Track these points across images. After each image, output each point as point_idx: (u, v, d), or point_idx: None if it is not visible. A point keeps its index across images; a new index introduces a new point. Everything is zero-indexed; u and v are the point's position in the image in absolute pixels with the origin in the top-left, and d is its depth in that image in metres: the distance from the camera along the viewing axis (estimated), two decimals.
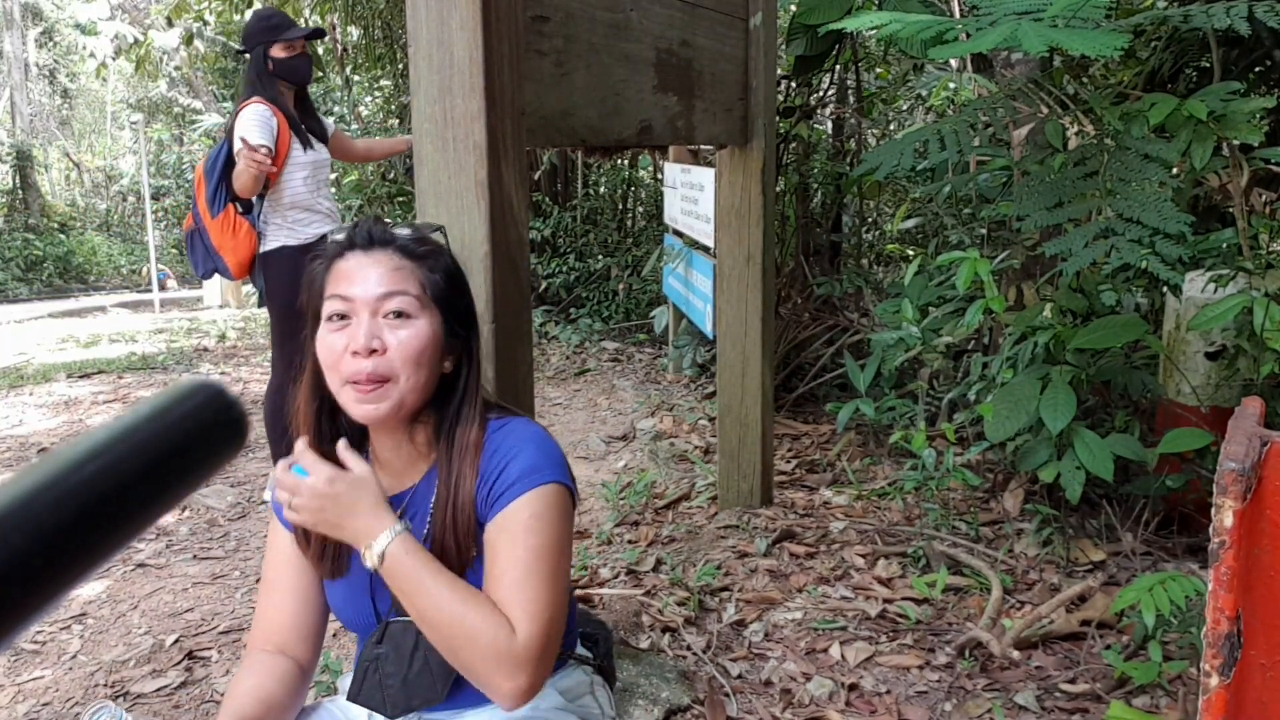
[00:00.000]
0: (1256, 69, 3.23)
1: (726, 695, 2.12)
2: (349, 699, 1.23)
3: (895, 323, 3.09)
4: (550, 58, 1.86)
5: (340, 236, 1.20)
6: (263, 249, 3.26)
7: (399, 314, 1.14)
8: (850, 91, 4.95)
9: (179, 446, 0.32)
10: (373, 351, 1.11)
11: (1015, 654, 2.21)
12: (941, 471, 2.84)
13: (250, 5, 7.87)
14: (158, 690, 2.29)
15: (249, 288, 3.41)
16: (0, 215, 14.87)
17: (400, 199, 7.07)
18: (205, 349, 6.80)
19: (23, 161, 15.09)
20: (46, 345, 7.36)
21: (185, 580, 2.89)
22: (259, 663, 1.20)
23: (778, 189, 4.48)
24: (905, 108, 5.69)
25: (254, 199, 3.22)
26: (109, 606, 2.73)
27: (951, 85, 3.68)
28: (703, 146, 3.82)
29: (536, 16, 1.80)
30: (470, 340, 1.22)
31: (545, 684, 1.14)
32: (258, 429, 3.64)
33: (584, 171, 6.93)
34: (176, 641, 2.52)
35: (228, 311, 9.02)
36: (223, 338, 7.20)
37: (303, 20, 7.81)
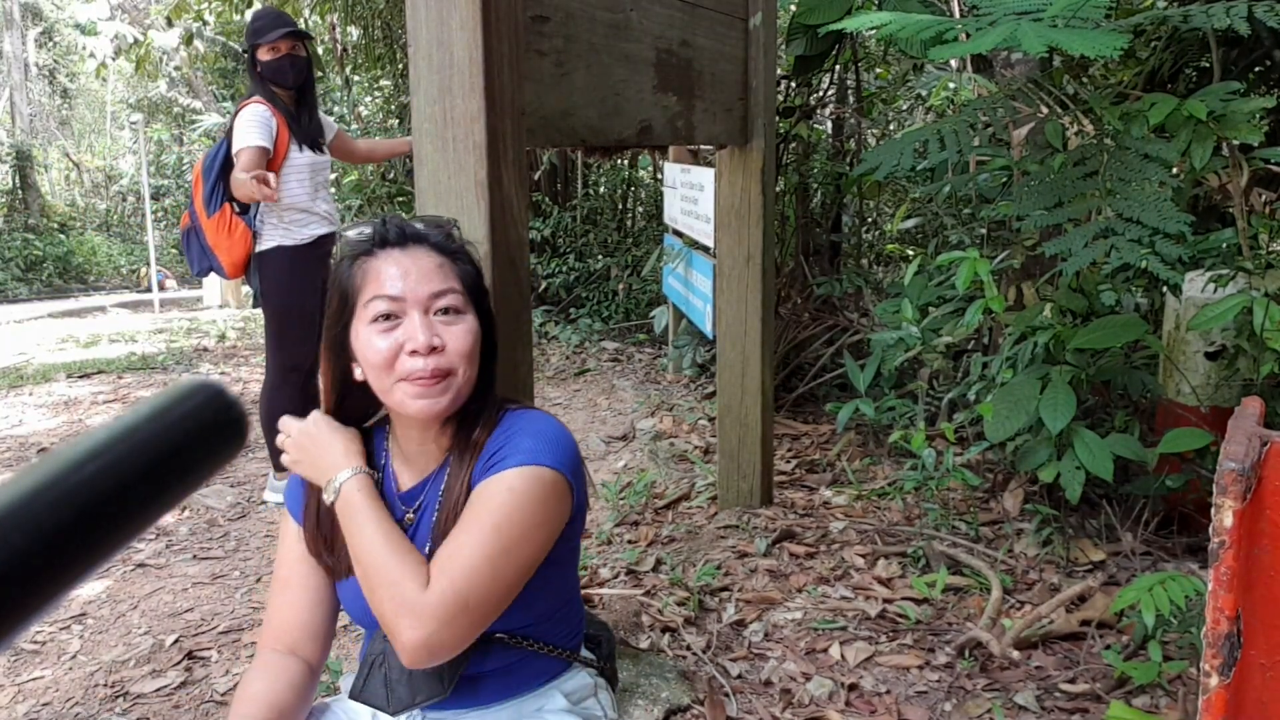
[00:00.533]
0: (1256, 69, 3.23)
1: (726, 695, 2.12)
2: (351, 696, 1.23)
3: (895, 323, 3.09)
4: (550, 58, 1.86)
5: (358, 234, 1.19)
6: (258, 249, 3.25)
7: (450, 310, 1.15)
8: (850, 91, 4.95)
9: (179, 446, 0.32)
10: (433, 349, 1.12)
11: (1015, 654, 2.21)
12: (941, 471, 2.84)
13: (250, 5, 7.87)
14: (158, 690, 2.29)
15: (249, 288, 3.40)
16: (0, 215, 14.88)
17: (400, 199, 7.07)
18: (205, 349, 6.80)
19: (22, 161, 15.09)
20: (46, 345, 7.36)
21: (185, 580, 2.89)
22: (270, 664, 1.20)
23: (778, 189, 4.48)
24: (905, 108, 5.69)
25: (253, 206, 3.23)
26: (109, 606, 2.73)
27: (951, 85, 3.68)
28: (703, 146, 3.82)
29: (536, 16, 1.80)
30: (493, 332, 1.24)
31: (451, 651, 1.09)
32: (257, 429, 3.64)
33: (584, 171, 6.93)
34: (176, 641, 2.52)
35: (227, 311, 9.02)
36: (222, 338, 7.20)
37: (302, 20, 7.82)
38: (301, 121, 3.32)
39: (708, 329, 3.30)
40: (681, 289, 3.91)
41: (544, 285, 6.42)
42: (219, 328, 7.53)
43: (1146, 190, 2.09)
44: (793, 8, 4.22)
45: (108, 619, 2.66)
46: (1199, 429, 2.38)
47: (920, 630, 2.36)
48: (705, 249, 3.41)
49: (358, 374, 1.19)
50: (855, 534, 2.93)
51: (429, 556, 1.20)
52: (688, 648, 2.32)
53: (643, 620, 2.44)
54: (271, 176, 3.02)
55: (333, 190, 7.00)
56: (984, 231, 3.61)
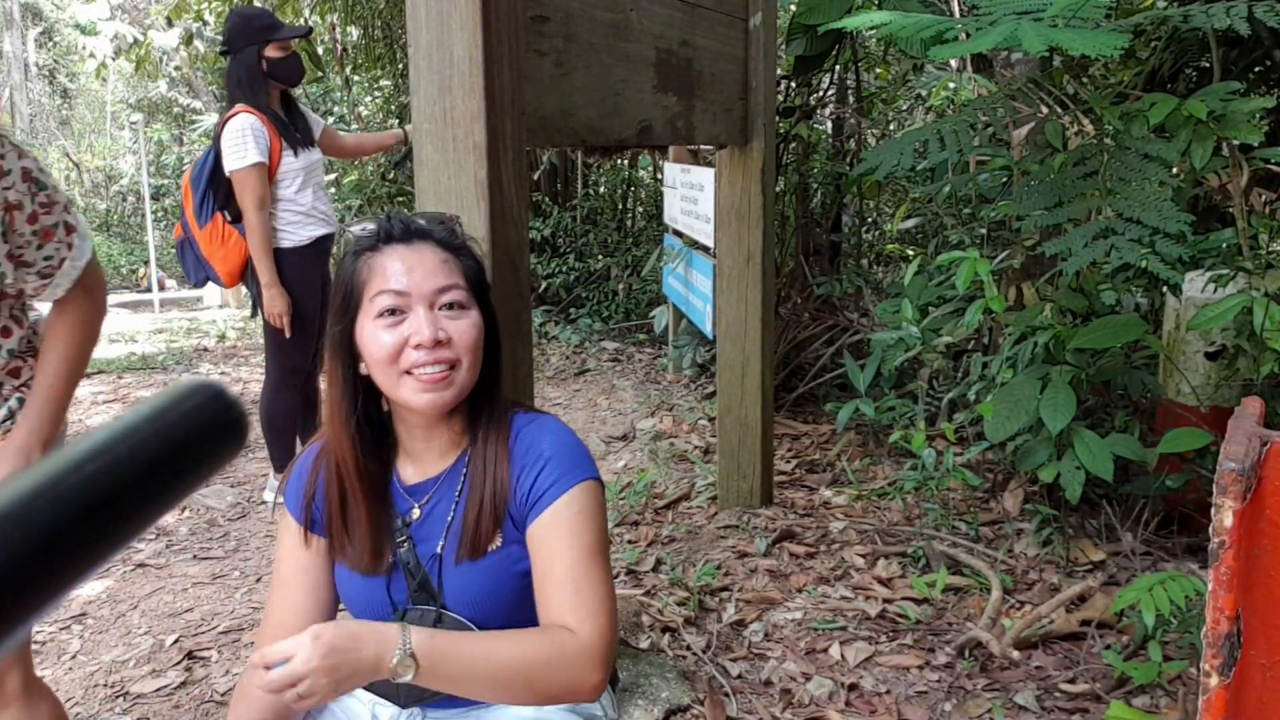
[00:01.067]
0: (1256, 69, 3.23)
1: (726, 695, 2.12)
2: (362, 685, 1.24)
3: (895, 323, 3.09)
4: (550, 58, 1.86)
5: (362, 230, 1.20)
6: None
7: (455, 305, 1.16)
8: (850, 91, 4.95)
9: (179, 447, 0.32)
10: (438, 343, 1.13)
11: (1015, 654, 2.21)
12: (941, 471, 2.84)
13: (251, 4, 7.87)
14: (157, 690, 2.29)
15: (248, 290, 3.37)
16: None
17: (400, 199, 7.07)
18: (205, 349, 6.80)
19: None
20: None
21: (185, 580, 2.89)
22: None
23: (778, 189, 4.48)
24: (905, 108, 5.69)
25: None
26: (109, 606, 2.72)
27: (951, 85, 3.68)
28: (703, 146, 3.82)
29: (536, 16, 1.80)
30: (497, 326, 1.25)
31: None
32: (257, 429, 3.64)
33: (584, 171, 6.93)
34: (176, 641, 2.52)
35: (227, 312, 9.02)
36: (223, 338, 7.20)
37: (303, 20, 7.82)
38: (295, 123, 3.29)
39: (708, 329, 3.30)
40: (681, 289, 3.91)
41: (544, 285, 6.42)
42: (219, 328, 7.53)
43: (1146, 190, 2.09)
44: (793, 8, 4.22)
45: (108, 619, 2.66)
46: (1199, 429, 2.38)
47: (920, 630, 2.36)
48: (705, 249, 3.41)
49: (364, 370, 1.19)
50: (855, 534, 2.93)
51: (441, 553, 1.20)
52: (688, 648, 2.32)
53: (643, 620, 2.44)
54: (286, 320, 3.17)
55: (332, 190, 7.01)
56: (984, 231, 3.61)
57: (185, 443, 0.33)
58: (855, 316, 4.59)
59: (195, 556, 3.07)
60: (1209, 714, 0.89)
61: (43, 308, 1.56)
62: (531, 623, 1.22)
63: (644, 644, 2.32)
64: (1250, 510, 0.88)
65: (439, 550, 1.22)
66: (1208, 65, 2.97)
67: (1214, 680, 0.89)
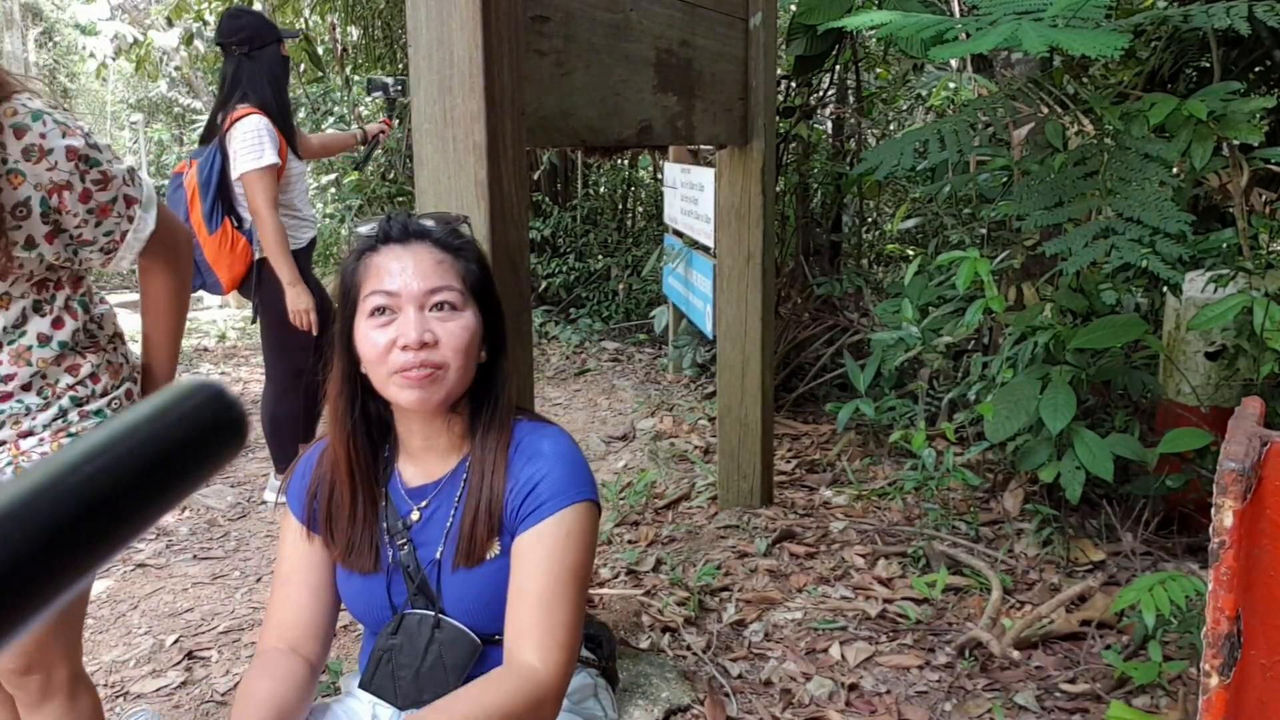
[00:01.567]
0: (1256, 69, 3.23)
1: (726, 695, 2.12)
2: (361, 686, 1.25)
3: (895, 323, 3.09)
4: (550, 58, 1.86)
5: (367, 230, 1.21)
6: (259, 257, 3.19)
7: (446, 306, 1.16)
8: (850, 91, 4.95)
9: (179, 447, 0.32)
10: (424, 344, 1.13)
11: (1015, 654, 2.21)
12: (941, 471, 2.84)
13: (251, 4, 7.87)
14: (158, 690, 2.29)
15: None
16: None
17: (400, 199, 7.07)
18: (205, 349, 6.80)
19: None
20: None
21: (185, 580, 2.89)
22: (272, 664, 1.20)
23: (778, 189, 4.48)
24: (905, 108, 5.69)
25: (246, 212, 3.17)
26: (109, 606, 2.72)
27: (951, 85, 3.68)
28: (703, 146, 3.82)
29: (536, 16, 1.80)
30: (501, 329, 1.24)
31: None
32: (258, 429, 3.64)
33: (584, 171, 6.92)
34: (176, 641, 2.52)
35: (228, 311, 9.02)
36: (223, 338, 7.20)
37: (302, 20, 7.82)
38: (291, 125, 3.28)
39: (708, 329, 3.30)
40: (681, 289, 3.91)
41: (544, 285, 6.41)
42: (219, 328, 7.53)
43: (1146, 190, 2.09)
44: (793, 8, 4.22)
45: (108, 619, 2.66)
46: (1199, 429, 2.38)
47: (920, 630, 2.36)
48: (705, 249, 3.41)
49: (364, 368, 1.20)
50: (855, 534, 2.93)
51: (440, 558, 1.20)
52: (688, 648, 2.32)
53: (643, 620, 2.44)
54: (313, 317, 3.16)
55: (332, 190, 7.00)
56: (984, 231, 3.61)
57: (185, 443, 0.32)
58: (855, 316, 4.59)
59: (195, 556, 3.07)
60: (1209, 714, 0.89)
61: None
62: None
63: (644, 644, 2.32)
64: (1250, 510, 0.88)
65: (438, 556, 1.21)
66: (1208, 65, 2.97)
67: (1214, 680, 0.89)
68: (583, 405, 4.70)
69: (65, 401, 1.46)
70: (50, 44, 16.87)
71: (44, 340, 1.42)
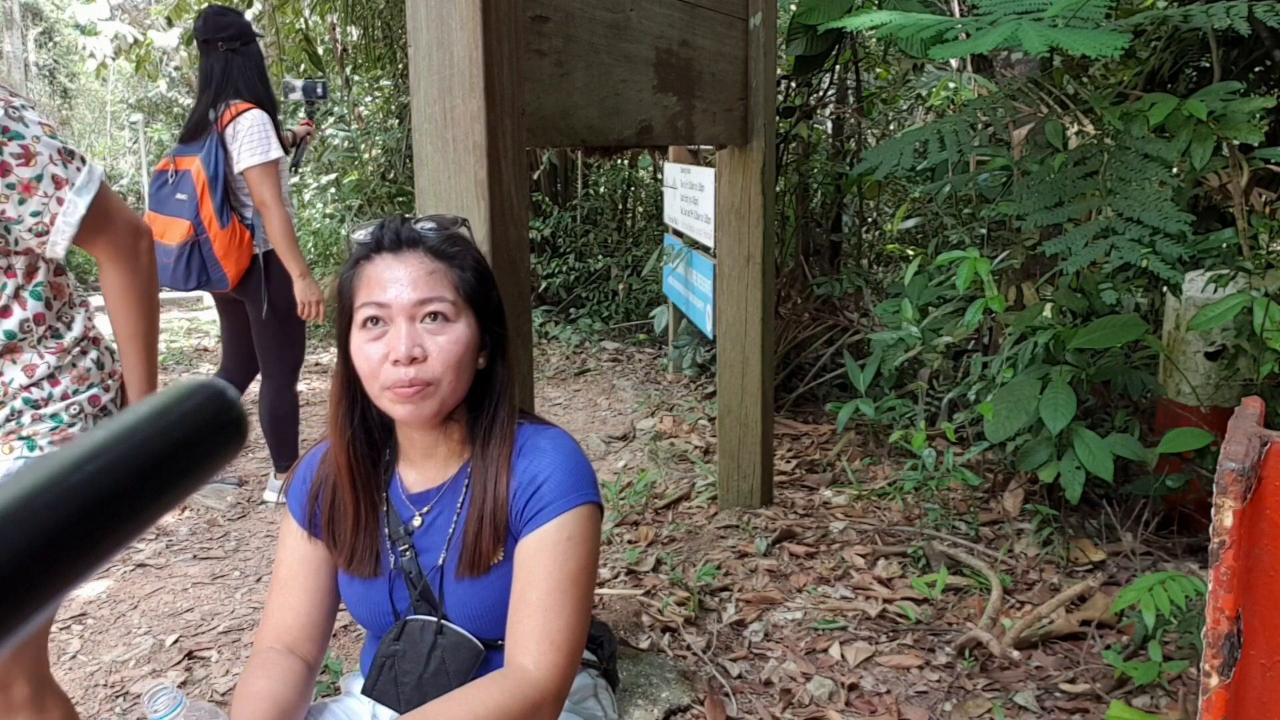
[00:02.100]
0: (1256, 69, 3.23)
1: (726, 695, 2.12)
2: (364, 692, 1.25)
3: (895, 323, 3.09)
4: (550, 58, 1.86)
5: (365, 237, 1.19)
6: (267, 249, 3.19)
7: (438, 318, 1.13)
8: (850, 91, 4.95)
9: (179, 447, 0.32)
10: (414, 359, 1.11)
11: (1015, 654, 2.21)
12: (941, 471, 2.84)
13: (249, 5, 7.86)
14: None
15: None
16: None
17: (400, 199, 7.07)
18: (205, 349, 6.80)
19: None
20: None
21: (185, 580, 2.89)
22: (270, 663, 1.20)
23: (778, 189, 4.48)
24: (905, 108, 5.69)
25: (253, 209, 3.17)
26: (109, 606, 2.72)
27: (951, 85, 3.68)
28: (703, 146, 3.82)
29: (536, 16, 1.80)
30: (502, 334, 1.22)
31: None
32: (258, 429, 3.64)
33: (584, 171, 6.92)
34: (176, 641, 2.52)
35: None
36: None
37: (303, 20, 7.81)
38: (279, 122, 3.29)
39: (708, 329, 3.30)
40: (681, 289, 3.91)
41: (544, 285, 6.41)
42: (219, 328, 7.54)
43: (1146, 190, 2.09)
44: (793, 8, 4.22)
45: (108, 619, 2.66)
46: (1199, 429, 2.38)
47: (920, 630, 2.36)
48: (705, 249, 3.41)
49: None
50: (855, 534, 2.93)
51: (443, 565, 1.20)
52: (688, 648, 2.32)
53: (643, 620, 2.44)
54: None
55: (332, 190, 7.00)
56: (984, 231, 3.61)
57: (185, 443, 0.32)
58: (855, 316, 4.59)
59: (195, 556, 3.07)
60: (1209, 714, 0.89)
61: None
62: None
63: (644, 644, 2.32)
64: (1250, 510, 0.88)
65: (440, 563, 1.21)
66: (1208, 65, 2.97)
67: (1214, 680, 0.89)
68: (583, 405, 4.70)
69: (18, 403, 1.42)
70: (50, 44, 16.87)
71: None
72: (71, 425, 1.47)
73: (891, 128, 5.75)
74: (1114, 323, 2.49)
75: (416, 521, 1.23)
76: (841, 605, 2.50)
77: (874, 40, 4.80)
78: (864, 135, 5.46)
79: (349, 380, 1.20)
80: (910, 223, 4.56)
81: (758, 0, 2.81)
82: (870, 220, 6.04)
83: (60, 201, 1.37)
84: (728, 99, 2.74)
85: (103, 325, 1.56)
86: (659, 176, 6.60)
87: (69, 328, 1.47)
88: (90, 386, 1.49)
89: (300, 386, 5.23)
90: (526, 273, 1.78)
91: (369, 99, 7.57)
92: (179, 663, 2.41)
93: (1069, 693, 2.09)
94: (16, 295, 1.40)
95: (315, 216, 6.90)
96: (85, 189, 1.40)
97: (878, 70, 5.42)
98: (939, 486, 2.90)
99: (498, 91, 1.63)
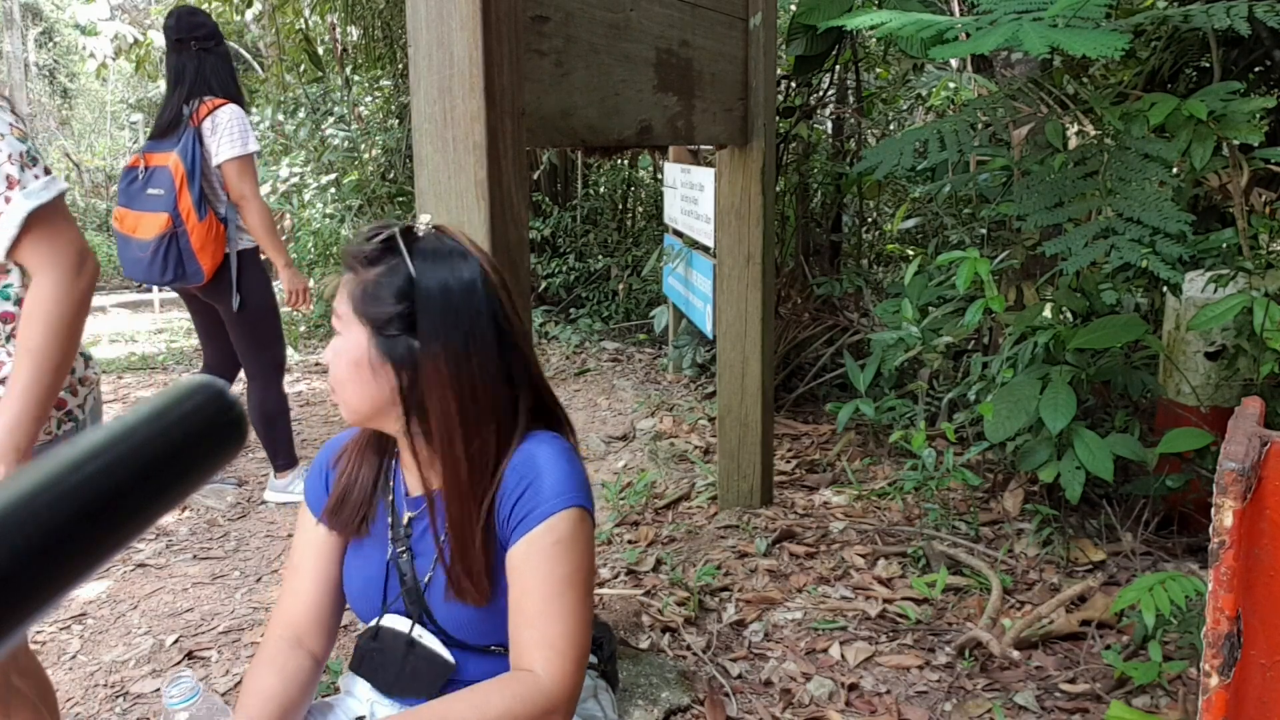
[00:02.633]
0: (1256, 69, 3.23)
1: (726, 695, 2.12)
2: (350, 668, 1.28)
3: (895, 323, 3.09)
4: (550, 58, 1.86)
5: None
6: (237, 248, 3.19)
7: (333, 329, 1.17)
8: (850, 91, 4.95)
9: (179, 447, 0.32)
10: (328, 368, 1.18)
11: (1015, 654, 2.21)
12: (941, 471, 2.84)
13: (249, 5, 7.86)
14: (157, 690, 2.29)
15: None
16: None
17: (400, 199, 7.07)
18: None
19: None
20: None
21: (185, 580, 2.89)
22: (278, 659, 1.22)
23: (778, 189, 4.48)
24: (905, 108, 5.69)
25: (226, 204, 3.17)
26: (109, 606, 2.72)
27: (951, 85, 3.68)
28: (703, 146, 3.82)
29: (536, 16, 1.80)
30: (413, 349, 1.11)
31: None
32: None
33: (584, 171, 6.93)
34: (176, 641, 2.52)
35: None
36: None
37: (303, 20, 7.81)
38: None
39: (708, 329, 3.30)
40: (681, 289, 3.91)
41: (544, 285, 6.42)
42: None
43: (1146, 190, 2.09)
44: (793, 8, 4.22)
45: (108, 619, 2.66)
46: (1199, 429, 2.38)
47: (920, 630, 2.36)
48: (705, 249, 3.41)
49: None
50: (855, 534, 2.93)
51: (430, 582, 1.20)
52: (688, 648, 2.32)
53: (643, 620, 2.44)
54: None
55: (332, 190, 7.00)
56: (984, 231, 3.61)
57: (185, 442, 0.33)
58: (855, 316, 4.59)
59: (195, 556, 3.07)
60: (1209, 714, 0.89)
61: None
62: None
63: (644, 644, 2.32)
64: (1250, 510, 0.88)
65: (427, 580, 1.21)
66: (1208, 65, 2.97)
67: (1214, 680, 0.89)
68: (583, 405, 4.70)
69: None
70: (50, 44, 16.87)
71: None
72: None
73: (891, 128, 5.75)
74: (1114, 323, 2.49)
75: (406, 521, 1.24)
76: (841, 605, 2.50)
77: (874, 40, 4.80)
78: (864, 135, 5.46)
79: None
80: (910, 223, 4.56)
81: (758, 0, 2.81)
82: (870, 220, 6.04)
83: (7, 200, 1.35)
84: (728, 99, 2.74)
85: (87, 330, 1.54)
86: (659, 176, 6.60)
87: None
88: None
89: (300, 387, 5.23)
90: (526, 273, 1.78)
91: (369, 99, 7.57)
92: (179, 663, 2.41)
93: (1069, 693, 2.09)
94: None
95: (315, 216, 6.90)
96: (36, 195, 1.36)
97: (878, 70, 5.42)
98: (939, 486, 2.90)
99: (498, 91, 1.63)
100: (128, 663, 2.41)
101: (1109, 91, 2.61)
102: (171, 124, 3.15)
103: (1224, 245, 2.45)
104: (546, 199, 6.65)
